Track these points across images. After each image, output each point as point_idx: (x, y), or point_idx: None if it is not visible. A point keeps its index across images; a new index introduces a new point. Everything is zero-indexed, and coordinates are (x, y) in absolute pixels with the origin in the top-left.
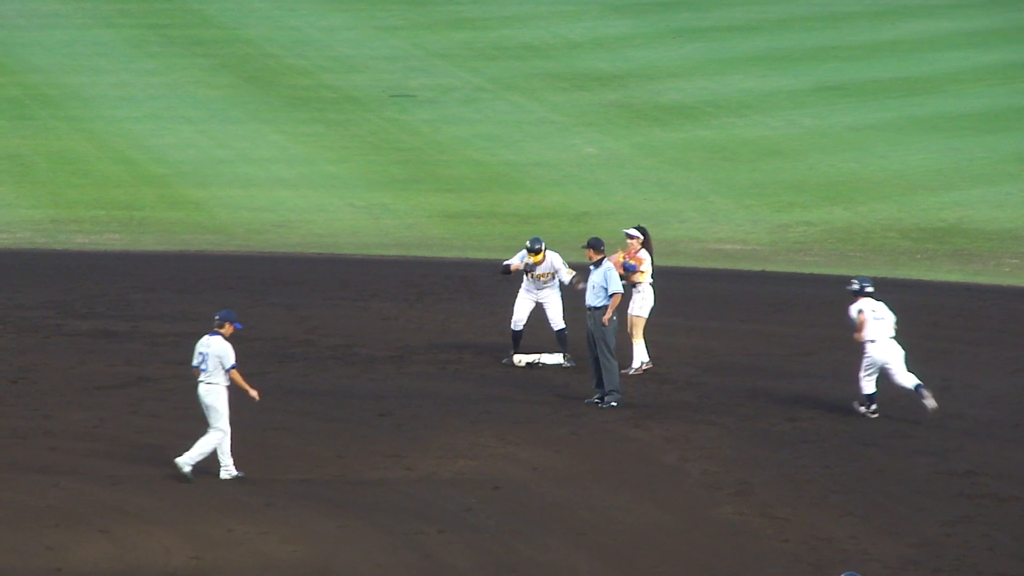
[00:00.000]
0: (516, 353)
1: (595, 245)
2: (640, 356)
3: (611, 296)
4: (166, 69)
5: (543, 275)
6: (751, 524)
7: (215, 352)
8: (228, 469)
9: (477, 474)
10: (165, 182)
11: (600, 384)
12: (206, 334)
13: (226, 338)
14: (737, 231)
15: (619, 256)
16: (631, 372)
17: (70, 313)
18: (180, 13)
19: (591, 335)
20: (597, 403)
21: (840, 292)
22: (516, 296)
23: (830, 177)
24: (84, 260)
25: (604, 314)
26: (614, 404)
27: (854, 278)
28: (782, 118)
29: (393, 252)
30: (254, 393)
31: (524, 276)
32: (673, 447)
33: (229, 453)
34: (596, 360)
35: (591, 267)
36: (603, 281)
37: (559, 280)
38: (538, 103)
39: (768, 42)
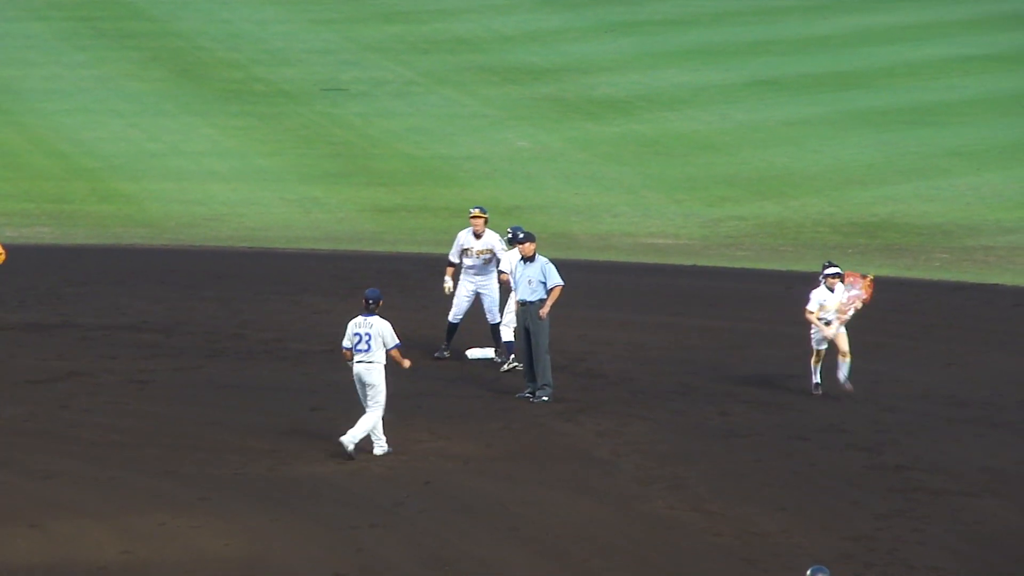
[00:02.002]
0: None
1: (529, 239)
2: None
3: (550, 290)
4: (97, 62)
5: (482, 251)
6: (684, 518)
7: (377, 331)
8: (381, 445)
9: (409, 468)
10: (96, 175)
11: (532, 379)
12: (359, 315)
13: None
14: (669, 225)
15: (860, 291)
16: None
17: (0, 307)
18: (111, 6)
19: (526, 330)
20: (528, 397)
21: (773, 288)
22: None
23: (762, 172)
24: (14, 253)
25: (541, 308)
26: (546, 399)
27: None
28: (715, 112)
29: (325, 246)
30: (407, 363)
31: (463, 261)
32: (606, 441)
33: (382, 429)
34: (530, 355)
35: (524, 262)
36: (540, 275)
37: (496, 266)
38: (470, 97)
39: (701, 37)
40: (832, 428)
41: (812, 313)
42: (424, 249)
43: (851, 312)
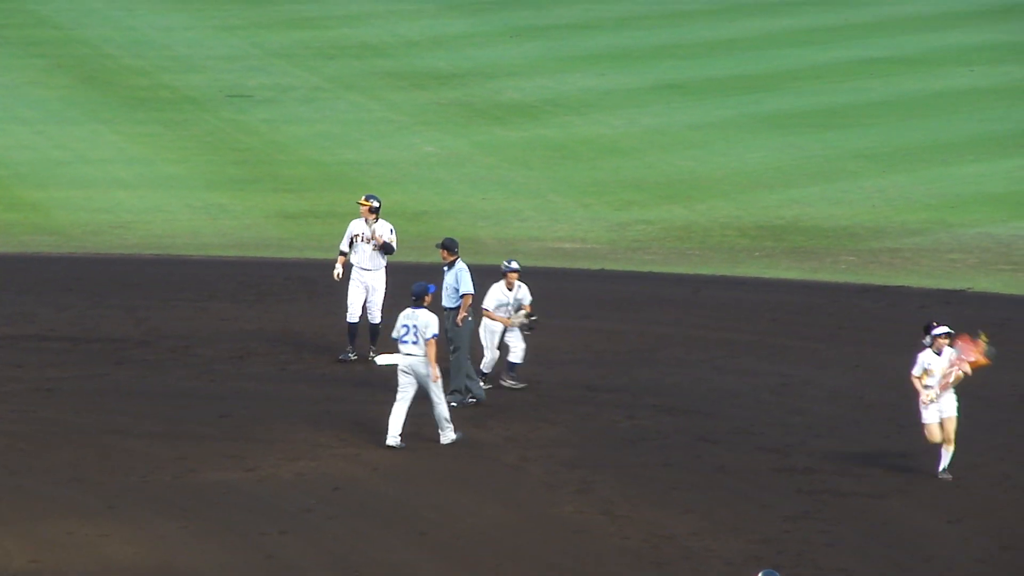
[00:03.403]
0: (354, 351)
1: (449, 246)
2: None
3: (462, 296)
4: (1, 70)
5: (371, 237)
6: (592, 522)
7: (423, 323)
8: (395, 437)
9: (318, 474)
10: (1, 183)
11: (470, 381)
12: (408, 308)
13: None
14: (576, 230)
15: (967, 354)
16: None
17: None
18: (15, 13)
19: (448, 336)
20: (454, 405)
21: (681, 291)
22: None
23: (669, 175)
24: None
25: (457, 315)
26: (454, 404)
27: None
28: (622, 116)
29: (232, 253)
30: (437, 372)
31: (351, 255)
32: (514, 446)
33: (402, 421)
34: (451, 362)
35: (444, 268)
36: (455, 282)
37: (385, 248)
38: (377, 102)
39: (607, 40)
40: (740, 431)
41: (917, 378)
42: (331, 255)
43: (955, 377)
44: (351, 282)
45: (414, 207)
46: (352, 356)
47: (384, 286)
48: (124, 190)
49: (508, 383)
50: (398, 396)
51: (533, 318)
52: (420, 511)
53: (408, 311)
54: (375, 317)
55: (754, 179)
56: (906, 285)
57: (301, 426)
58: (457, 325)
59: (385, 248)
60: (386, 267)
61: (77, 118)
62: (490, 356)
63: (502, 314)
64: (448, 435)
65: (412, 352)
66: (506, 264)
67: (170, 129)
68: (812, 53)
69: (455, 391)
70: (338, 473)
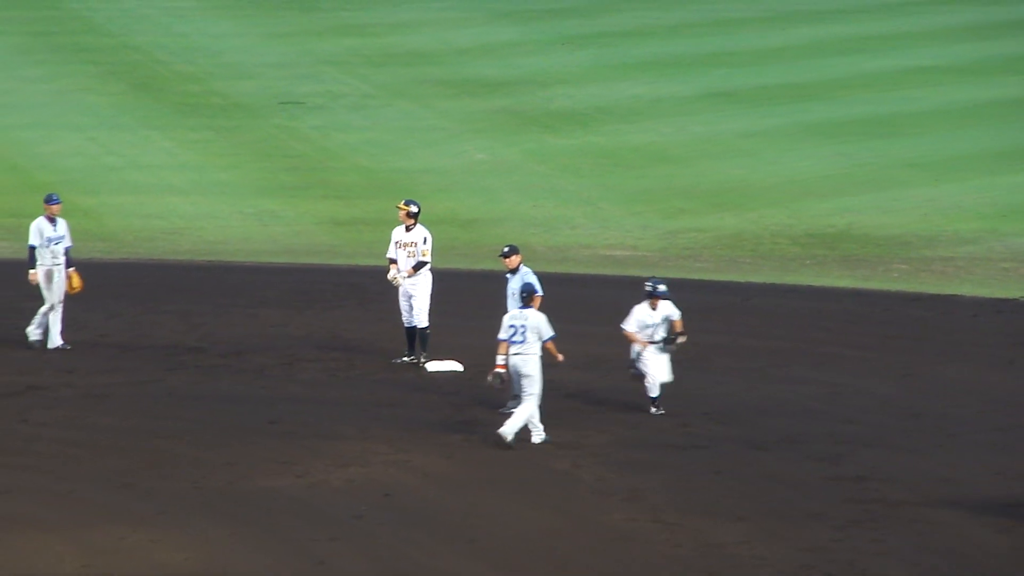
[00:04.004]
0: (411, 355)
1: (513, 251)
2: None
3: (535, 297)
4: (53, 76)
5: (407, 243)
6: (643, 530)
7: (533, 324)
8: (539, 433)
9: (368, 481)
10: (53, 189)
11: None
12: (516, 308)
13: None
14: (627, 237)
15: None
16: None
17: None
18: (67, 20)
19: None
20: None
21: (731, 299)
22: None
23: (720, 184)
24: None
25: None
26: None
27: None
28: (672, 124)
29: (282, 259)
30: (561, 357)
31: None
32: (565, 453)
33: (539, 418)
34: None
35: (507, 275)
36: (522, 286)
37: (425, 265)
38: (427, 110)
39: (658, 48)
40: (791, 440)
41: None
42: (382, 262)
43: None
44: (400, 288)
45: (464, 215)
46: (406, 359)
47: (427, 291)
48: (176, 196)
49: (653, 410)
50: (523, 397)
51: (679, 338)
52: (470, 518)
53: (516, 312)
54: (421, 321)
55: (805, 187)
56: (958, 294)
57: (351, 432)
58: None
59: (416, 266)
60: (430, 271)
61: (129, 124)
62: (654, 379)
63: (644, 337)
64: (511, 434)
65: (520, 352)
66: (651, 285)
67: (221, 135)
68: (862, 61)
69: (517, 396)
70: (388, 480)
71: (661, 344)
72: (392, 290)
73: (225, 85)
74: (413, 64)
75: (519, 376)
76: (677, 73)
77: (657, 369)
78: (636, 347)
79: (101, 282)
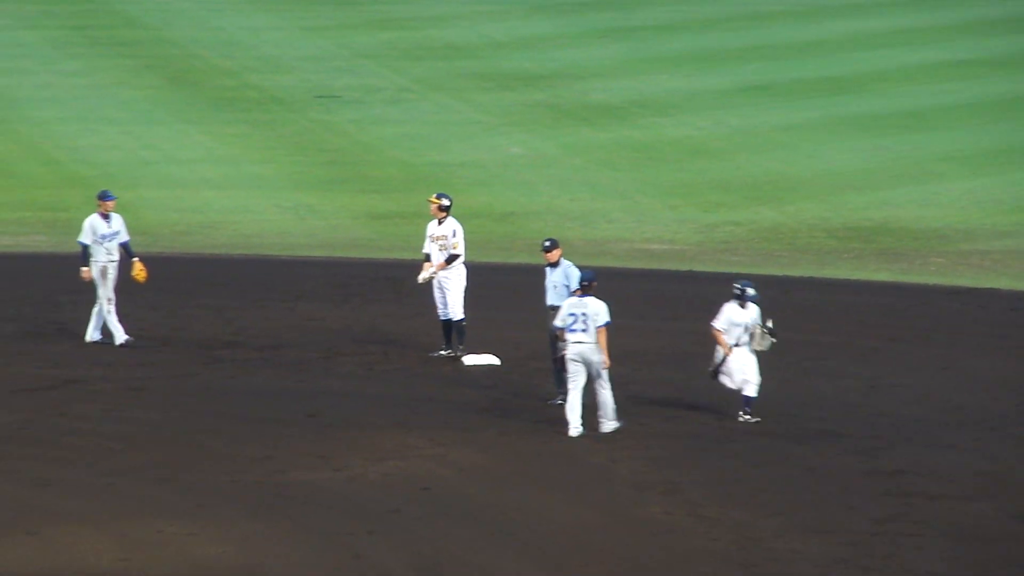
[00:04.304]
0: (448, 348)
1: (554, 245)
2: None
3: (573, 293)
4: (90, 70)
5: (438, 236)
6: (680, 523)
7: (593, 311)
8: (577, 428)
9: (405, 475)
10: (91, 183)
11: (562, 384)
12: (575, 295)
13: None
14: (664, 231)
15: None
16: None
17: None
18: (104, 14)
19: (553, 335)
20: (561, 404)
21: (769, 293)
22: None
23: (757, 177)
24: (10, 262)
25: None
26: (561, 402)
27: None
28: (708, 118)
29: (319, 253)
30: (607, 359)
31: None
32: (601, 447)
33: (580, 410)
34: (556, 360)
35: (547, 268)
36: (564, 279)
37: (456, 258)
38: (464, 103)
39: (694, 42)
40: (828, 433)
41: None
42: (418, 256)
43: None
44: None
45: (501, 208)
46: (443, 353)
47: (460, 284)
48: (212, 190)
49: (744, 418)
50: (570, 386)
51: (769, 326)
52: (507, 512)
53: (574, 299)
54: (456, 314)
55: (842, 180)
56: (996, 287)
57: (388, 426)
58: None
59: (448, 259)
60: (465, 264)
61: (165, 118)
62: (738, 383)
63: (732, 337)
64: (611, 424)
65: (581, 340)
66: (739, 288)
67: (258, 129)
68: (899, 54)
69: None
70: (426, 473)
71: (750, 343)
72: (429, 284)
73: (261, 79)
74: (450, 57)
75: (587, 364)
76: (713, 66)
77: (740, 370)
78: (721, 351)
79: None
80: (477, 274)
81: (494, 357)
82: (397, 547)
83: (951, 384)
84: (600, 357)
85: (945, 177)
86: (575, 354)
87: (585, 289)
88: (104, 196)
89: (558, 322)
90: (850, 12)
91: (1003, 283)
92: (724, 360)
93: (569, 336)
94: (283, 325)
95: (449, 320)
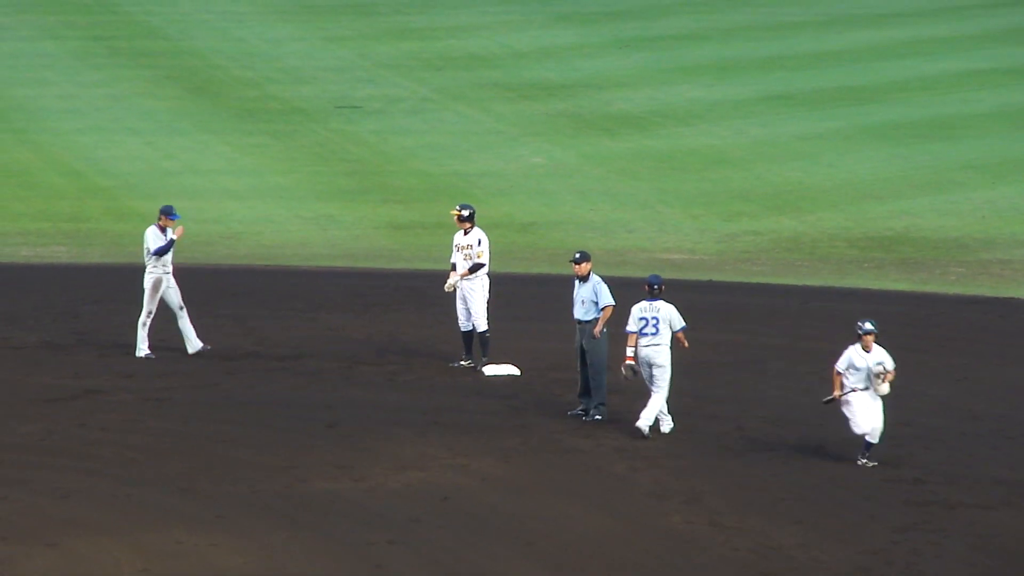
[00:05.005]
0: (468, 359)
1: (585, 259)
2: None
3: (602, 309)
4: (111, 81)
5: (464, 246)
6: (700, 533)
7: (666, 315)
8: (668, 422)
9: (426, 484)
10: (111, 194)
11: (585, 394)
12: (643, 300)
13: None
14: (685, 241)
15: None
16: None
17: (17, 326)
18: (125, 25)
19: (580, 348)
20: (580, 415)
21: (789, 303)
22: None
23: (777, 186)
24: (30, 273)
25: (595, 327)
26: (599, 417)
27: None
28: (729, 127)
29: (341, 263)
30: (687, 344)
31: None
32: (622, 457)
33: (667, 408)
34: (585, 373)
35: (576, 281)
36: (592, 295)
37: (481, 267)
38: (485, 113)
39: (715, 52)
40: (848, 442)
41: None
42: (440, 266)
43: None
44: (456, 291)
45: (522, 218)
46: (463, 363)
47: (483, 294)
48: (234, 201)
49: (862, 462)
50: (654, 388)
51: (883, 384)
52: (528, 522)
53: (645, 303)
54: (479, 325)
55: (862, 190)
56: (1016, 297)
57: (409, 436)
58: (594, 337)
59: (472, 268)
60: (488, 274)
61: (186, 129)
62: (861, 428)
63: (855, 381)
64: (668, 423)
65: (653, 343)
66: (859, 325)
67: (279, 140)
68: (920, 64)
69: (600, 404)
70: (446, 483)
71: (868, 386)
72: (450, 294)
73: (282, 89)
74: (471, 68)
75: (651, 367)
76: (734, 76)
77: (866, 416)
78: (836, 392)
79: None
80: (498, 284)
81: (514, 367)
82: (418, 557)
83: (970, 393)
84: (667, 360)
85: (965, 186)
86: (645, 357)
87: (655, 293)
88: (168, 212)
89: (631, 327)
90: (871, 22)
91: (1023, 292)
92: (846, 403)
93: (640, 340)
94: (304, 335)
95: (470, 330)
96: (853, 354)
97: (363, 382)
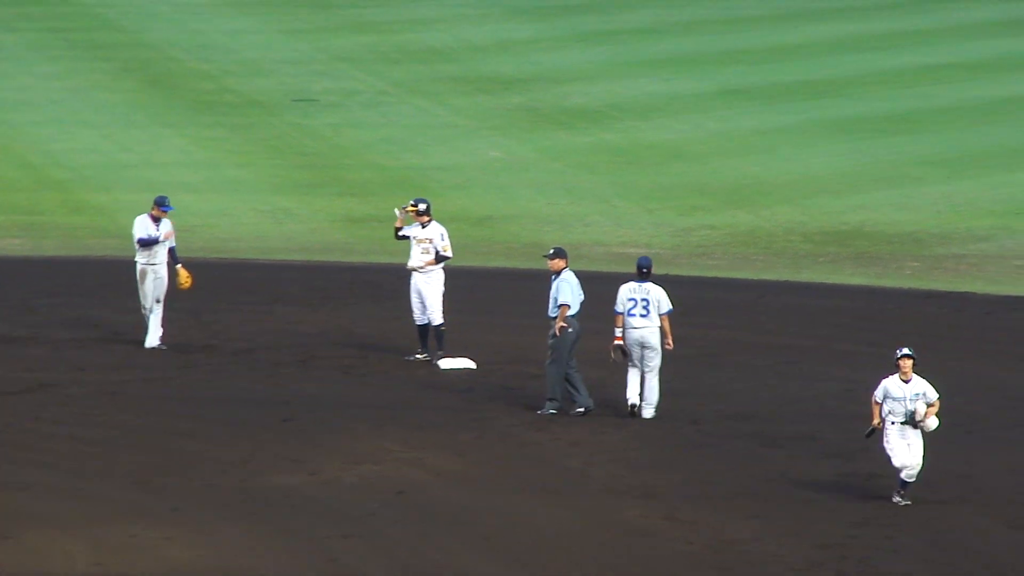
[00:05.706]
0: (424, 352)
1: (559, 255)
2: None
3: (559, 307)
4: (68, 73)
5: (422, 240)
6: (656, 527)
7: (655, 297)
8: (652, 406)
9: (381, 479)
10: (67, 187)
11: (576, 391)
12: (632, 281)
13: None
14: (641, 234)
15: None
16: None
17: None
18: (81, 17)
19: (556, 341)
20: (580, 413)
21: (745, 296)
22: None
23: (734, 180)
24: None
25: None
26: (552, 412)
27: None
28: (687, 121)
29: (297, 256)
30: (671, 341)
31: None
32: (578, 451)
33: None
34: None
35: (552, 277)
36: (555, 292)
37: (439, 259)
38: (442, 107)
39: (673, 46)
40: (804, 437)
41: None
42: (396, 260)
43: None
44: (411, 282)
45: (478, 212)
46: (419, 357)
47: (439, 288)
48: (189, 194)
49: (896, 499)
50: (630, 367)
51: (926, 420)
52: (483, 516)
53: (633, 284)
54: (436, 319)
55: (819, 184)
56: (971, 291)
57: (365, 430)
58: (555, 335)
59: (438, 259)
60: (443, 268)
61: (142, 121)
62: (898, 462)
63: (895, 414)
64: (651, 410)
65: (645, 324)
66: (898, 350)
67: (235, 133)
68: (877, 59)
69: (552, 399)
70: (402, 477)
71: (906, 420)
72: (407, 288)
73: (239, 82)
74: (428, 61)
75: (642, 348)
76: (692, 70)
77: (902, 452)
78: (875, 421)
79: (113, 279)
80: (454, 278)
81: (470, 361)
82: (373, 551)
83: None
84: (658, 342)
85: (922, 181)
86: (636, 339)
87: (644, 274)
88: (162, 203)
89: (618, 307)
90: (828, 16)
91: (978, 287)
92: (883, 435)
93: (629, 320)
94: (260, 329)
95: (426, 324)
96: (890, 384)
97: (319, 376)
